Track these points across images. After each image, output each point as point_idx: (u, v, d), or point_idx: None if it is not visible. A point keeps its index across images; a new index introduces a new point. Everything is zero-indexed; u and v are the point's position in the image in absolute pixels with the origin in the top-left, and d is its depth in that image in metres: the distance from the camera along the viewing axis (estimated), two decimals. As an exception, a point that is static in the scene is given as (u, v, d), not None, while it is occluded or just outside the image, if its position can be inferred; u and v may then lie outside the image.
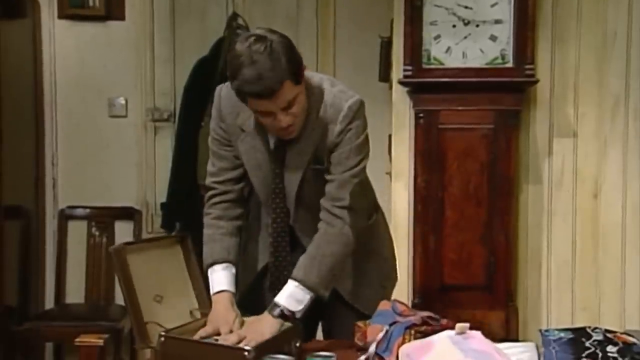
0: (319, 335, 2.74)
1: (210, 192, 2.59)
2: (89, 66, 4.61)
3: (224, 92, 2.50)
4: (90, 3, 4.52)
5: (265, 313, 2.32)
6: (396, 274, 2.82)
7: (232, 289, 2.44)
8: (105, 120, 4.64)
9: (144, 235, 4.55)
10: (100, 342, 2.27)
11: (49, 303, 4.60)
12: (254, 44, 2.20)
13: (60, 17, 4.56)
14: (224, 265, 2.48)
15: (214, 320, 2.34)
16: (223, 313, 2.36)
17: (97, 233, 4.58)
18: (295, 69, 2.24)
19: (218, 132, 2.53)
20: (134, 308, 2.27)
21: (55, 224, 4.63)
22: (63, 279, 4.58)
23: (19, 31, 4.38)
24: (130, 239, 4.40)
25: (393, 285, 2.79)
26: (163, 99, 4.67)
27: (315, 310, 2.47)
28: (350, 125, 2.37)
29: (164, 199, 4.54)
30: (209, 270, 2.48)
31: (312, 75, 2.42)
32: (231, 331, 2.29)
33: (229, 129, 2.49)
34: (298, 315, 2.32)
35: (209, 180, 2.61)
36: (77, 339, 2.28)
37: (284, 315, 2.29)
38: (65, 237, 4.61)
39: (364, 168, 2.46)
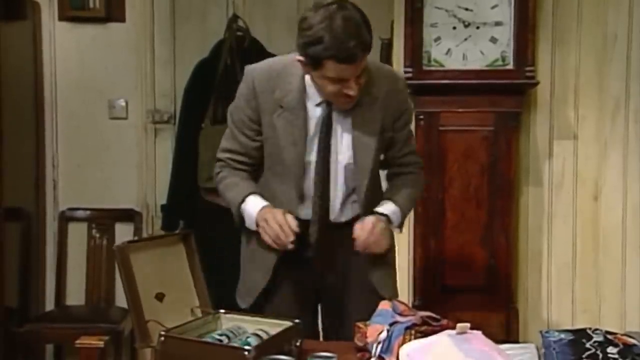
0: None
1: (220, 163, 2.67)
2: (89, 68, 4.58)
3: (257, 70, 2.57)
4: (91, 5, 4.50)
5: (373, 220, 2.48)
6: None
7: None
8: (106, 122, 4.61)
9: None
10: (101, 343, 2.27)
11: (50, 305, 4.59)
12: (339, 11, 2.30)
13: (60, 18, 4.54)
14: (255, 195, 2.55)
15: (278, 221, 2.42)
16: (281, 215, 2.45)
17: (97, 235, 4.57)
18: (371, 38, 2.33)
19: (246, 111, 2.58)
20: (135, 307, 2.27)
21: (55, 226, 4.62)
22: (63, 281, 4.57)
23: (19, 33, 4.37)
24: (130, 241, 4.40)
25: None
26: (163, 101, 4.66)
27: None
28: (407, 96, 2.65)
29: (164, 201, 4.54)
30: (242, 206, 2.55)
31: None
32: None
33: (263, 105, 2.53)
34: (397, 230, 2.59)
35: (220, 155, 2.67)
36: (78, 341, 2.28)
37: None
38: (66, 239, 4.60)
39: None
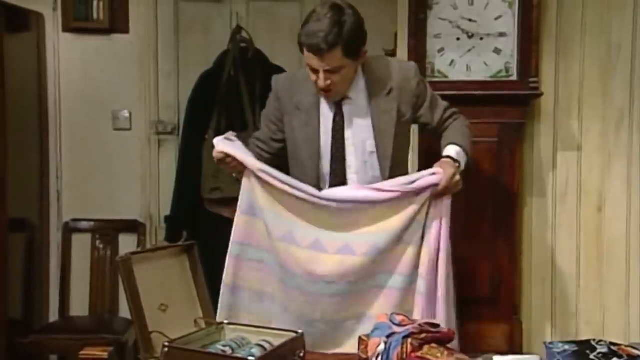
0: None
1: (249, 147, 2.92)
2: (93, 79, 4.61)
3: (280, 78, 2.96)
4: (95, 16, 4.52)
5: (451, 164, 2.70)
6: None
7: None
8: (110, 133, 4.64)
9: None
10: (105, 354, 2.27)
11: (54, 316, 4.60)
12: (329, 9, 2.60)
13: (64, 30, 4.56)
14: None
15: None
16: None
17: (101, 246, 4.58)
18: (352, 43, 2.60)
19: (270, 109, 2.95)
20: (139, 318, 2.27)
21: (59, 237, 4.62)
22: (67, 292, 4.58)
23: (23, 44, 4.38)
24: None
25: None
26: (167, 112, 4.68)
27: None
28: (419, 77, 2.85)
29: (168, 212, 4.53)
30: None
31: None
32: None
33: (284, 107, 2.88)
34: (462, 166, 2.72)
35: (250, 139, 3.02)
36: (82, 352, 2.28)
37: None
38: (70, 250, 4.61)
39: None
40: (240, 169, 2.72)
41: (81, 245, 4.60)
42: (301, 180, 2.71)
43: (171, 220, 4.50)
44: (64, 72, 4.61)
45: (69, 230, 4.61)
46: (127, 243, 4.57)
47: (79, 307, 4.56)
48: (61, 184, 4.64)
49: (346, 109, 2.79)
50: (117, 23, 4.56)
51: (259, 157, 2.85)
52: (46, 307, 4.61)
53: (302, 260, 2.61)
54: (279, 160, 2.94)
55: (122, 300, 4.44)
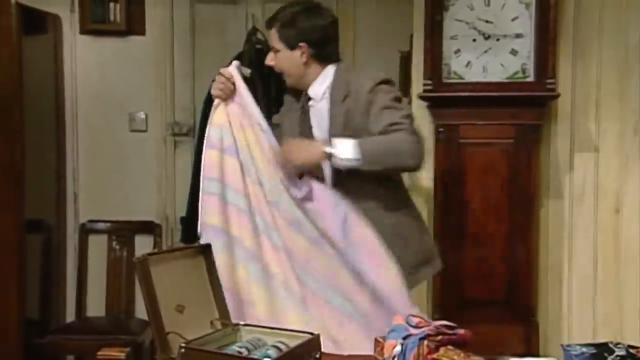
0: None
1: None
2: (110, 81, 4.64)
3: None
4: (112, 18, 4.54)
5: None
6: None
7: None
8: (126, 135, 4.66)
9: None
10: (122, 355, 2.27)
11: (70, 316, 4.61)
12: (310, 2, 2.82)
13: (81, 32, 4.59)
14: None
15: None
16: None
17: (117, 247, 4.59)
18: (288, 31, 2.77)
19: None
20: (156, 318, 2.26)
21: (76, 238, 4.64)
22: (84, 292, 4.59)
23: (40, 46, 4.40)
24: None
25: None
26: (183, 114, 4.69)
27: None
28: (378, 87, 2.72)
29: (183, 213, 4.53)
30: None
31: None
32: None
33: (285, 105, 3.04)
34: (335, 161, 2.64)
35: None
36: (99, 353, 2.28)
37: (329, 155, 2.63)
38: (86, 251, 4.62)
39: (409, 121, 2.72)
40: (224, 94, 2.74)
41: (97, 246, 4.61)
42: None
43: (187, 222, 4.49)
44: (81, 74, 4.63)
45: (85, 232, 4.62)
46: (143, 244, 4.59)
47: (96, 307, 4.58)
48: (78, 185, 4.66)
49: (311, 109, 2.88)
50: (133, 25, 4.58)
51: None
52: (63, 308, 4.63)
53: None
54: None
55: (138, 300, 4.46)
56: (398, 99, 2.78)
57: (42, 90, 4.40)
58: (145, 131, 4.66)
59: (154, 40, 4.61)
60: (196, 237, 4.36)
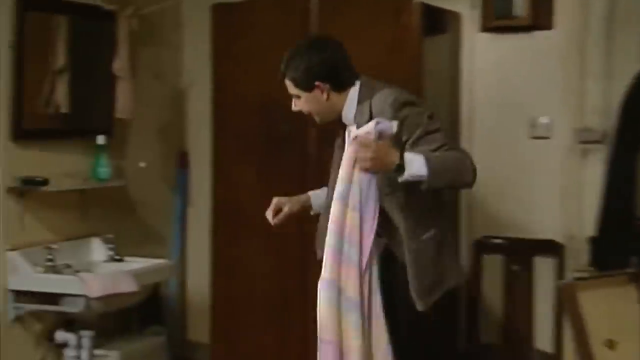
0: None
1: None
2: (510, 82, 4.45)
3: None
4: (516, 12, 4.30)
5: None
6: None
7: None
8: (526, 142, 4.43)
9: (567, 274, 4.15)
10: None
11: (460, 341, 4.45)
12: (307, 41, 2.96)
13: (481, 30, 4.44)
14: None
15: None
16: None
17: (514, 267, 4.33)
18: (301, 78, 2.81)
19: None
20: (585, 353, 2.17)
21: (468, 255, 4.43)
22: (476, 315, 4.40)
23: (439, 47, 4.33)
24: (550, 276, 4.23)
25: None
26: (594, 118, 4.31)
27: None
28: (399, 113, 2.71)
29: (592, 233, 4.15)
30: None
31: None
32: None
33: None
34: (403, 174, 2.57)
35: None
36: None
37: (400, 166, 2.57)
38: (480, 270, 4.39)
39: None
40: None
41: (491, 265, 4.39)
42: None
43: (597, 243, 4.12)
44: (479, 75, 4.51)
45: (479, 248, 4.39)
46: (542, 266, 4.32)
47: (488, 333, 4.39)
48: (472, 197, 4.45)
49: (347, 134, 2.94)
50: (539, 18, 4.30)
51: None
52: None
53: None
54: None
55: (538, 329, 4.22)
56: (430, 117, 2.78)
57: (438, 94, 4.28)
58: (548, 138, 4.38)
59: (563, 35, 4.31)
60: (607, 261, 4.00)
